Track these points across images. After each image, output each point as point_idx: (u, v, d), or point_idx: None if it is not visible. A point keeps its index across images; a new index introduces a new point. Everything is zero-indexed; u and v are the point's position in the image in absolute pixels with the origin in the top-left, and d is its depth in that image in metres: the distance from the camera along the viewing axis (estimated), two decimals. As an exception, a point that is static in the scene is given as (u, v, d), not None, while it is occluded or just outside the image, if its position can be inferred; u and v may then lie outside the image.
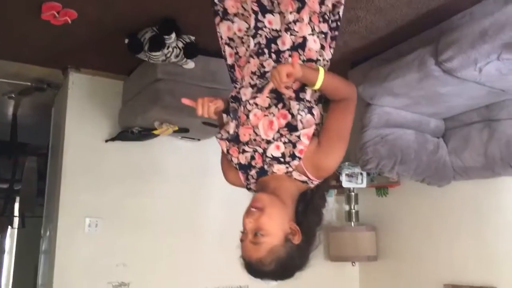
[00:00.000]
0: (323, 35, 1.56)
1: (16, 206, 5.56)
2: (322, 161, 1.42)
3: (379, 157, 2.94)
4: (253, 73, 1.54)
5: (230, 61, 1.63)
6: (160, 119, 3.14)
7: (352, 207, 4.17)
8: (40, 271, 4.00)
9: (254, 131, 1.48)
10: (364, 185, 4.01)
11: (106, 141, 3.52)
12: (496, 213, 3.22)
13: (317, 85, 1.40)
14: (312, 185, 1.48)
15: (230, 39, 1.61)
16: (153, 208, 3.58)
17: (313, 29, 1.53)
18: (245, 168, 1.54)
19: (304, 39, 1.51)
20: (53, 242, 3.37)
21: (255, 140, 1.48)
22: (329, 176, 1.51)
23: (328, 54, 1.58)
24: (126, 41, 2.88)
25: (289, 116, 1.44)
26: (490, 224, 3.25)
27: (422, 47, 2.65)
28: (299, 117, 1.42)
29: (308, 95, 1.46)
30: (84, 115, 3.54)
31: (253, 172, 1.52)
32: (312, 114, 1.44)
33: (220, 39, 1.65)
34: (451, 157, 3.11)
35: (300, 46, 1.52)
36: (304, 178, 1.45)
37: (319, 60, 1.54)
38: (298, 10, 1.52)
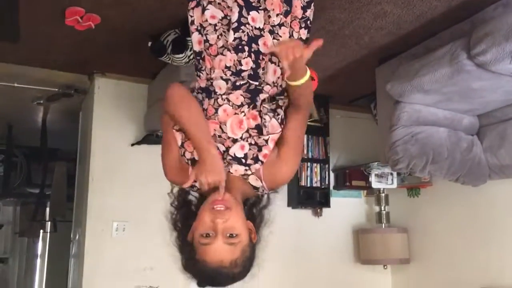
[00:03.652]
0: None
1: (47, 211, 5.65)
2: (280, 172, 1.40)
3: (409, 156, 2.84)
4: (227, 67, 1.47)
5: (197, 48, 1.54)
6: (184, 122, 3.12)
7: (383, 208, 4.08)
8: (70, 275, 4.05)
9: (220, 127, 1.41)
10: (394, 185, 3.92)
11: (132, 145, 3.53)
12: (535, 213, 3.09)
13: (299, 83, 1.35)
14: (261, 193, 1.44)
15: (201, 25, 1.53)
16: (179, 211, 3.56)
17: (291, 35, 1.50)
18: None
19: None
20: (81, 246, 3.40)
21: (219, 136, 1.41)
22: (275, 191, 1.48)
23: None
24: (149, 44, 2.87)
25: (259, 118, 1.41)
26: (530, 225, 3.11)
27: (453, 41, 2.55)
28: (263, 120, 1.39)
29: (281, 101, 1.44)
30: (110, 119, 3.56)
31: None
32: (278, 119, 1.42)
33: (190, 24, 1.57)
34: (486, 155, 2.98)
35: None
36: (259, 183, 1.41)
37: None
38: (286, 14, 1.49)
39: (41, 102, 4.12)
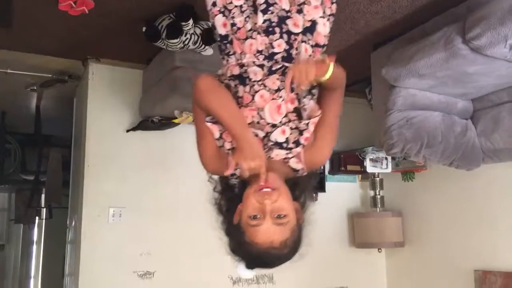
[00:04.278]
0: (333, 18, 1.52)
1: (43, 197, 5.64)
2: (321, 153, 1.42)
3: (404, 140, 2.85)
4: (259, 51, 1.44)
5: (223, 31, 1.49)
6: (179, 108, 3.11)
7: (377, 193, 4.11)
8: (67, 261, 4.06)
9: (258, 114, 1.39)
10: (389, 170, 3.94)
11: (127, 131, 3.52)
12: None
13: (326, 77, 1.33)
14: (300, 175, 1.45)
15: (226, 7, 1.48)
16: (175, 196, 3.58)
17: (324, 12, 1.48)
18: None
19: (314, 22, 1.47)
20: (78, 232, 3.41)
21: (258, 123, 1.39)
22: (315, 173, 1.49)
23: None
24: (144, 29, 2.85)
25: (297, 101, 1.41)
26: (522, 208, 3.15)
27: (448, 25, 2.54)
28: (302, 103, 1.40)
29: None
30: (105, 105, 3.54)
31: None
32: (315, 100, 1.42)
33: (211, 6, 1.51)
34: (480, 139, 3.00)
35: (308, 30, 1.47)
36: (300, 166, 1.42)
37: (325, 45, 1.50)
38: None
39: (35, 88, 4.09)
